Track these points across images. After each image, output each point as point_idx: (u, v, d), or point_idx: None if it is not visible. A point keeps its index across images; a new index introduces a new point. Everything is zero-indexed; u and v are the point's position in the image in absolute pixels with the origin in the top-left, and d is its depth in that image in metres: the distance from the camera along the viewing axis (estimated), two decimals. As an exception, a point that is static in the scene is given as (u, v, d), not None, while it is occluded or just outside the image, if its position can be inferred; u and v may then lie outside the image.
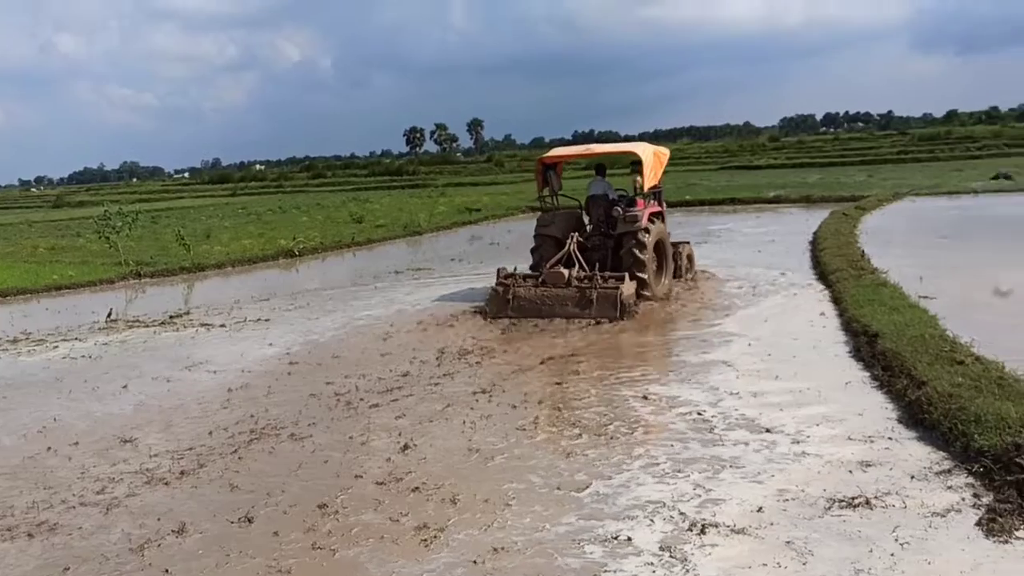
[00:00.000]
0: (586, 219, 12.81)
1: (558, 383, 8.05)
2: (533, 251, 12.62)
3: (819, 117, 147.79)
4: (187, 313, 13.30)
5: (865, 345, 8.32)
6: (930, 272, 12.29)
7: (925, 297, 10.19)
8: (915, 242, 16.68)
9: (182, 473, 6.33)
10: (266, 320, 12.33)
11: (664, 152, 13.49)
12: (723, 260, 15.28)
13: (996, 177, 29.57)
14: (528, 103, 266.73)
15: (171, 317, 12.95)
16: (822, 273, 12.91)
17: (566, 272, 11.34)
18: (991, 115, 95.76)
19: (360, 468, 6.19)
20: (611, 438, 6.49)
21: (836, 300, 10.77)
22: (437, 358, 9.36)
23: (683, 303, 11.77)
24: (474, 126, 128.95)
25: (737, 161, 56.46)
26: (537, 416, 7.11)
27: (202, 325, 12.18)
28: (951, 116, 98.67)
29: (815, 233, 17.63)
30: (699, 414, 6.93)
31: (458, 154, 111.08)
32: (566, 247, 11.89)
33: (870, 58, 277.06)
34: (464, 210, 30.15)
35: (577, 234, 12.20)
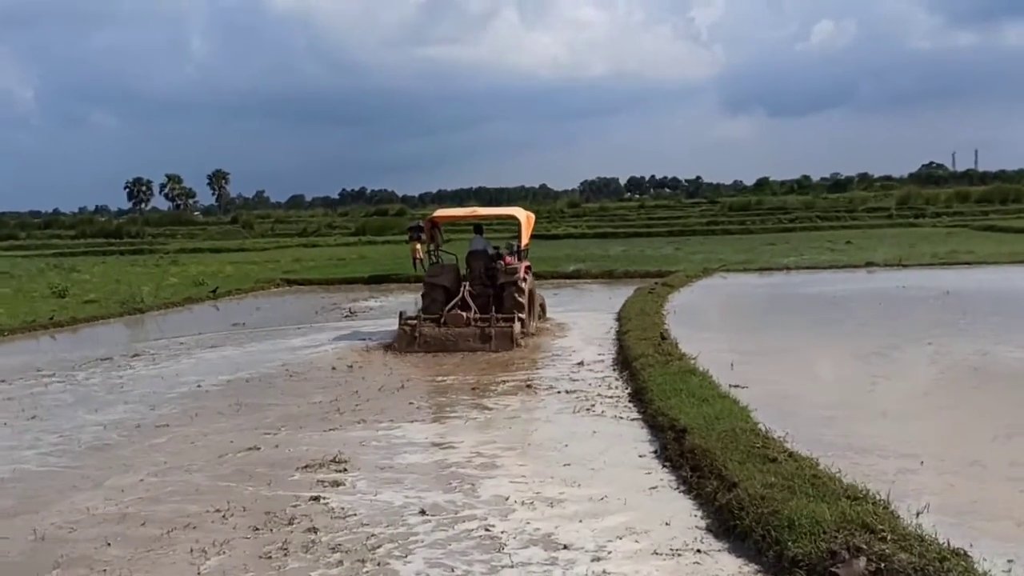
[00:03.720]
0: (465, 271, 17.21)
1: (315, 498, 7.86)
2: (424, 297, 16.83)
3: (623, 181, 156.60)
4: None
5: (672, 442, 8.74)
6: (742, 357, 13.20)
7: (736, 386, 10.89)
8: (727, 323, 17.89)
9: None
10: (-75, 425, 11.27)
11: (531, 216, 19.35)
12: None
13: None
14: (286, 154, 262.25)
15: None
16: (625, 359, 13.52)
17: (464, 314, 15.74)
18: (802, 184, 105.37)
19: (48, 618, 5.71)
20: (379, 564, 6.39)
21: (641, 390, 11.28)
22: (158, 470, 8.91)
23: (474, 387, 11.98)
24: (217, 179, 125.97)
25: (532, 229, 58.66)
26: (287, 540, 6.88)
27: None
28: (762, 184, 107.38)
29: (619, 313, 18.52)
30: (487, 530, 6.98)
31: (196, 213, 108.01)
32: (460, 294, 16.34)
33: (677, 117, 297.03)
34: (200, 282, 29.25)
35: (468, 284, 16.63)
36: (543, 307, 18.81)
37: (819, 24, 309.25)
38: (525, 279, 16.66)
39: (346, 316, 21.45)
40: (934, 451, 8.45)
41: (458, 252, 18.33)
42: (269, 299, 26.62)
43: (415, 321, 15.91)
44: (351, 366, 14.43)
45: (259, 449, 9.58)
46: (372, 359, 15.11)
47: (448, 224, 18.55)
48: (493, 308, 16.05)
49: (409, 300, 22.73)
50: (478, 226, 18.72)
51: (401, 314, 16.23)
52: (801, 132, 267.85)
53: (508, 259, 17.10)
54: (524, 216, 18.31)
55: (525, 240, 18.00)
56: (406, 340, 15.59)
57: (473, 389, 12.39)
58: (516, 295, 16.26)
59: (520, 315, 16.10)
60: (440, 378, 13.39)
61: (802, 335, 15.88)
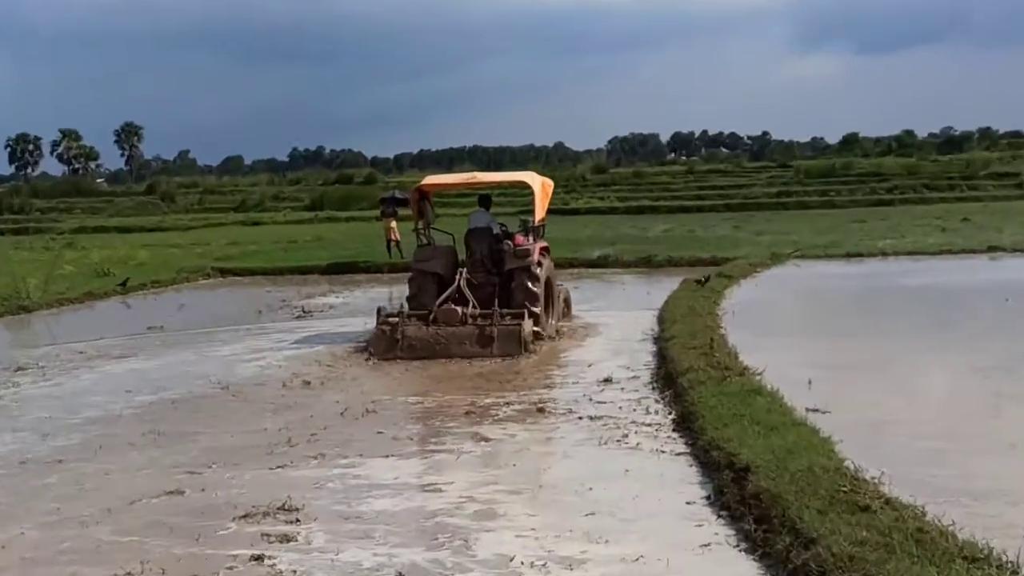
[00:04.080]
0: (464, 255, 17.80)
1: (257, 557, 7.84)
2: (411, 289, 17.27)
3: (665, 139, 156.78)
4: None
5: (731, 484, 8.71)
6: (822, 372, 13.19)
7: (815, 410, 10.87)
8: (803, 328, 17.82)
9: None
10: None
11: (549, 182, 19.69)
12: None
13: None
14: (220, 102, 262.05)
15: None
16: (668, 375, 13.52)
17: (459, 309, 16.15)
18: (904, 143, 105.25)
19: None
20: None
21: (688, 416, 11.26)
22: (49, 520, 8.92)
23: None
24: (127, 136, 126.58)
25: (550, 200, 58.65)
26: (219, 613, 6.88)
27: None
28: (850, 143, 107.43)
29: (659, 313, 18.60)
30: (484, 601, 6.97)
31: (99, 180, 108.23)
32: (455, 283, 16.72)
33: (736, 54, 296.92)
34: (105, 272, 29.25)
35: (466, 270, 17.00)
36: (567, 302, 19.46)
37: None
38: (540, 264, 17.09)
39: (299, 316, 21.47)
40: (1079, 497, 8.43)
41: (456, 231, 18.56)
42: (197, 294, 26.69)
43: (397, 319, 16.28)
44: (308, 382, 14.48)
45: (183, 493, 9.53)
46: (335, 372, 15.16)
47: (439, 194, 18.87)
48: (498, 301, 16.48)
49: (381, 295, 22.79)
50: (483, 197, 19.37)
51: (379, 310, 16.68)
52: (901, 73, 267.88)
53: (519, 239, 17.54)
54: (539, 183, 18.72)
55: (540, 214, 18.40)
56: (385, 344, 16.00)
57: (467, 413, 12.38)
58: (528, 284, 16.64)
59: (533, 310, 16.48)
60: (422, 399, 13.41)
61: (903, 342, 15.85)
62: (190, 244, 39.74)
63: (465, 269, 17.09)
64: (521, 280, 16.70)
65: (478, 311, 16.28)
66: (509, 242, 17.37)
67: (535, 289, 16.69)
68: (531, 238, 17.77)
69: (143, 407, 13.34)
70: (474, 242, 17.64)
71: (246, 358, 16.57)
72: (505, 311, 16.23)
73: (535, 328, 16.34)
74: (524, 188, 19.51)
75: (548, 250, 18.35)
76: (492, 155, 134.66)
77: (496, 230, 17.87)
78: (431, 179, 20.71)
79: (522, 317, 16.11)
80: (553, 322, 17.66)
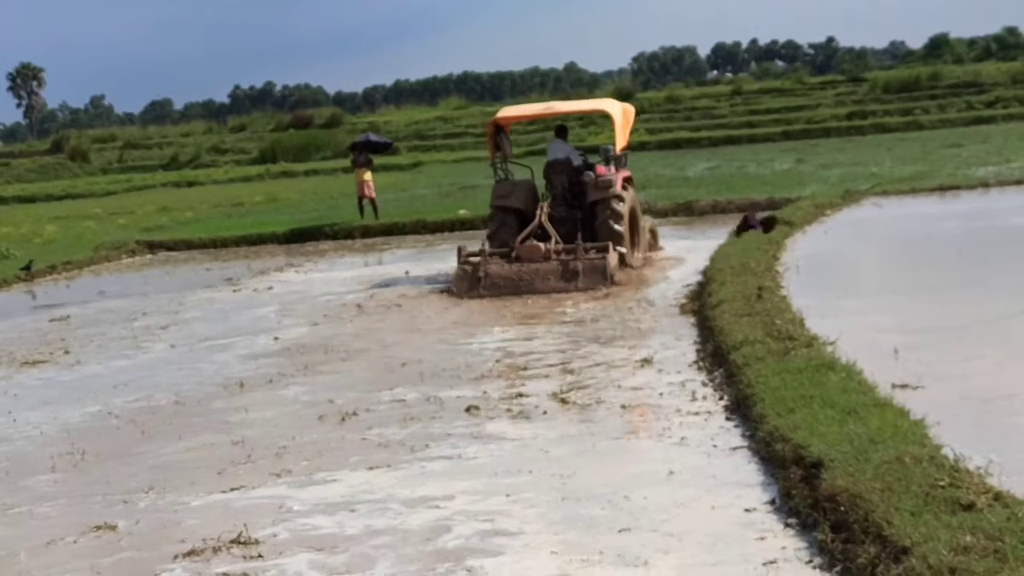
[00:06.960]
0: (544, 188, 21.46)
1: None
2: (491, 226, 21.15)
3: (704, 52, 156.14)
4: None
5: (800, 484, 8.71)
6: (913, 338, 13.16)
7: (905, 386, 10.93)
8: (886, 284, 17.79)
9: None
10: None
11: (630, 109, 23.74)
12: (532, 346, 16.01)
13: None
14: (141, 32, 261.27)
15: None
16: (716, 349, 13.55)
17: (542, 245, 19.43)
18: (1006, 43, 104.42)
19: None
20: None
21: (744, 400, 11.27)
22: None
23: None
24: (23, 79, 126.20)
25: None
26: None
27: None
28: (938, 46, 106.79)
29: (704, 272, 18.68)
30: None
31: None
32: (536, 219, 19.91)
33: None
34: (3, 253, 29.23)
35: (546, 205, 20.41)
36: (654, 233, 23.53)
37: None
38: (623, 199, 20.40)
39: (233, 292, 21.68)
40: None
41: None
42: (120, 276, 26.69)
43: (478, 257, 19.77)
44: (271, 379, 14.49)
45: (114, 527, 9.53)
46: (305, 360, 15.26)
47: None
48: (581, 235, 19.61)
49: (354, 264, 22.76)
50: (560, 127, 22.92)
51: (460, 249, 20.23)
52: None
53: (601, 169, 20.84)
54: (619, 110, 22.48)
55: (622, 142, 21.93)
56: (467, 282, 19.50)
57: (468, 409, 12.39)
58: (612, 224, 20.07)
59: (620, 250, 19.71)
60: (409, 389, 13.39)
61: (1015, 298, 15.75)
62: (110, 213, 39.69)
63: (546, 204, 20.45)
64: (604, 219, 20.04)
65: (561, 246, 19.54)
66: (591, 173, 20.57)
67: (619, 228, 20.08)
68: (613, 168, 20.70)
69: (61, 423, 13.32)
70: (554, 175, 21.15)
71: (188, 354, 16.61)
72: (588, 244, 19.34)
73: (621, 261, 19.70)
74: (604, 117, 23.10)
75: (631, 180, 21.82)
76: (487, 83, 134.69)
77: (576, 161, 21.22)
78: (507, 111, 24.57)
79: (606, 250, 19.15)
80: (639, 255, 21.08)
